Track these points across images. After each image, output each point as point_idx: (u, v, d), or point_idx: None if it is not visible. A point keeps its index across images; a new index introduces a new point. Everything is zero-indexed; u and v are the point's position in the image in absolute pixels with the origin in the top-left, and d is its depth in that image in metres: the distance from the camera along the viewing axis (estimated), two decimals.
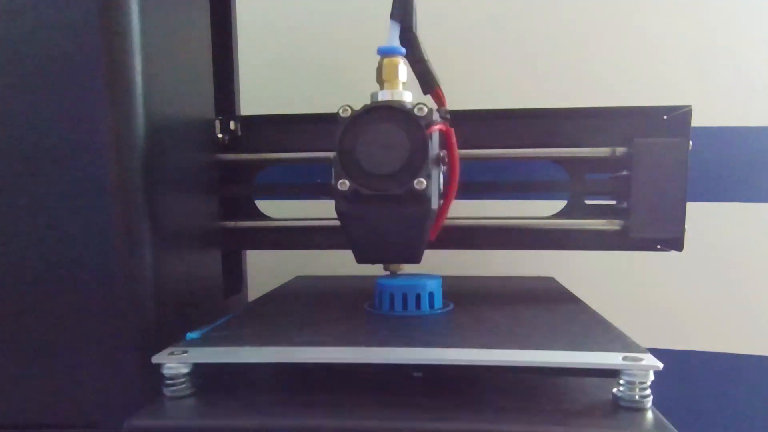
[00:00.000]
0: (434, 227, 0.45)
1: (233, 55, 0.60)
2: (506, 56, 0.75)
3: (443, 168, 0.43)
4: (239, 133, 0.56)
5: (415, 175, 0.39)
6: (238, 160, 0.56)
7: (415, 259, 0.45)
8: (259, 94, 0.68)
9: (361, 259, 0.45)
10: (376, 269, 0.51)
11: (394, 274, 0.49)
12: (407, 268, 0.50)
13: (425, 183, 0.39)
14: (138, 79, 0.39)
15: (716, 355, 0.76)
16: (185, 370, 0.36)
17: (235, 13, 0.61)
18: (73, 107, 0.37)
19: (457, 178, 0.43)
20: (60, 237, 0.38)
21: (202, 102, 0.51)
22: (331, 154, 0.55)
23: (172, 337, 0.39)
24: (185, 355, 0.36)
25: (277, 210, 0.59)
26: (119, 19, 0.38)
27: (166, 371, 0.35)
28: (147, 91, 0.39)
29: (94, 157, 0.38)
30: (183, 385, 0.36)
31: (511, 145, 0.53)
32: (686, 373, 0.76)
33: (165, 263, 0.42)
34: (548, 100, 0.55)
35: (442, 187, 0.43)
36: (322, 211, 0.55)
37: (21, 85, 0.37)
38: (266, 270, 0.68)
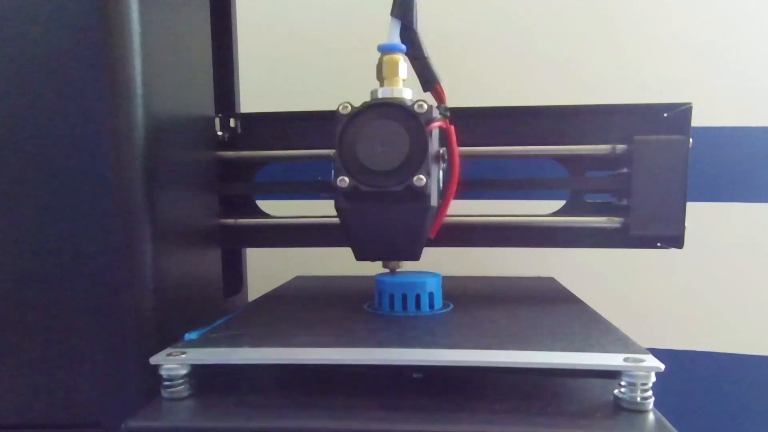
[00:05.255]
0: (434, 225, 0.45)
1: (233, 52, 0.60)
2: (506, 53, 0.75)
3: (443, 165, 0.42)
4: (239, 131, 0.56)
5: (415, 172, 0.39)
6: (238, 157, 0.56)
7: (415, 256, 0.45)
8: (259, 91, 0.68)
9: (360, 257, 0.45)
10: (377, 268, 0.51)
11: (393, 272, 0.49)
12: (406, 266, 0.50)
13: (425, 180, 0.39)
14: (138, 77, 0.39)
15: (716, 355, 0.76)
16: (183, 372, 0.35)
17: (235, 12, 0.61)
18: (73, 106, 0.37)
19: (457, 175, 0.43)
20: (59, 235, 0.38)
21: (201, 99, 0.51)
22: (331, 152, 0.55)
23: (172, 336, 0.39)
24: (183, 356, 0.36)
25: (277, 208, 0.59)
26: (119, 19, 0.38)
27: (164, 372, 0.35)
28: (147, 90, 0.39)
29: (94, 156, 0.38)
30: (181, 387, 0.35)
31: (511, 142, 0.53)
32: (686, 373, 0.76)
33: (165, 261, 0.42)
34: (549, 97, 0.55)
35: (442, 184, 0.43)
36: (321, 209, 0.55)
37: (21, 84, 0.37)
38: (266, 270, 0.68)
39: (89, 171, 0.38)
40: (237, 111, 0.61)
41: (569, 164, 0.54)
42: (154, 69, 0.40)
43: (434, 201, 0.41)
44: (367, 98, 0.42)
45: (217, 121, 0.55)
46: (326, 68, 0.77)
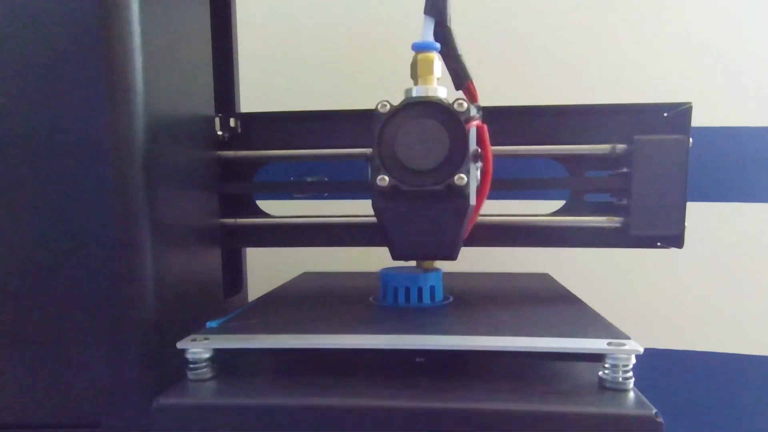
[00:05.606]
0: (468, 224, 0.44)
1: (233, 52, 0.60)
2: (506, 53, 0.75)
3: (479, 164, 0.42)
4: (239, 131, 0.56)
5: (455, 171, 0.39)
6: (238, 157, 0.56)
7: (452, 255, 0.45)
8: (259, 91, 0.68)
9: (397, 256, 0.45)
10: (376, 266, 0.51)
11: (421, 269, 0.50)
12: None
13: (465, 178, 0.39)
14: (138, 77, 0.39)
15: (716, 355, 0.76)
16: (207, 355, 0.39)
17: (235, 12, 0.61)
18: (73, 105, 0.37)
19: (490, 174, 0.42)
20: (60, 235, 0.38)
21: (202, 99, 0.51)
22: (331, 152, 0.55)
23: (172, 336, 0.39)
24: (206, 341, 0.39)
25: (277, 208, 0.59)
26: (119, 19, 0.38)
27: (189, 356, 0.38)
28: (147, 89, 0.39)
29: (94, 155, 0.38)
30: (205, 369, 0.39)
31: (511, 142, 0.52)
32: (686, 373, 0.76)
33: (165, 261, 0.42)
34: (549, 97, 0.55)
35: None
36: (321, 208, 0.55)
37: (21, 83, 0.37)
38: (266, 270, 0.68)
39: (89, 171, 0.38)
40: (237, 111, 0.61)
41: (569, 164, 0.54)
42: (154, 69, 0.40)
43: (473, 200, 0.41)
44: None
45: (217, 121, 0.55)
46: (326, 68, 0.77)
